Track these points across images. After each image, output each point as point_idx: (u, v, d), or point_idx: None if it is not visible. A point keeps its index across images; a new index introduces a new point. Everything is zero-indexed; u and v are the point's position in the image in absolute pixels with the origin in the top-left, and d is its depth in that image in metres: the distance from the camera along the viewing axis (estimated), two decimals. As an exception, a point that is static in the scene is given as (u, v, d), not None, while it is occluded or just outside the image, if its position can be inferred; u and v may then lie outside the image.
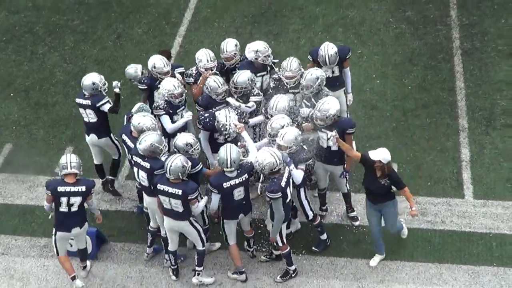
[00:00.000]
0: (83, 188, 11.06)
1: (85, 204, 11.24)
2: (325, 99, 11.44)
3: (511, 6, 16.40)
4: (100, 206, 12.80)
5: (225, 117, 11.56)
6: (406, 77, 14.92)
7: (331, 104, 11.34)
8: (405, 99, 14.45)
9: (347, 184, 12.10)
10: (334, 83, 12.62)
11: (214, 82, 12.04)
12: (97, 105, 12.14)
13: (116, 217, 12.67)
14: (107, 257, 12.12)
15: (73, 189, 11.01)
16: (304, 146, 11.38)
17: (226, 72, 12.80)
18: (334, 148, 11.52)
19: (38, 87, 15.26)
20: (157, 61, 12.41)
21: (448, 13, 16.40)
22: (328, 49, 12.37)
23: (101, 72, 13.51)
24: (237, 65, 12.70)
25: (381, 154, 10.78)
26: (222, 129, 11.55)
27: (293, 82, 12.17)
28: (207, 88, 12.15)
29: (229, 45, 12.69)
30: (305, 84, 11.86)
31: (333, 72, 12.61)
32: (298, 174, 11.13)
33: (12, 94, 15.13)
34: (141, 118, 11.45)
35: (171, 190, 10.73)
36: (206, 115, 11.79)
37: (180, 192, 10.71)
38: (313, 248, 11.98)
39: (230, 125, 11.52)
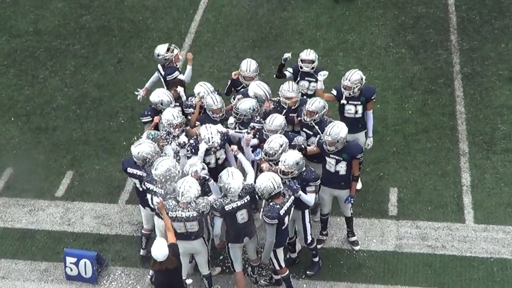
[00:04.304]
0: None
1: None
2: (333, 123, 11.35)
3: (511, 31, 16.45)
4: (100, 230, 12.80)
5: (205, 129, 11.54)
6: (407, 102, 14.93)
7: (341, 128, 11.28)
8: (406, 124, 14.46)
9: (351, 209, 12.10)
10: (356, 124, 12.34)
11: (211, 99, 12.09)
12: None
13: (116, 241, 12.64)
14: (107, 281, 12.08)
15: None
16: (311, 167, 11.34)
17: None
18: (342, 172, 11.54)
19: (39, 111, 15.27)
20: (164, 97, 12.32)
21: (449, 37, 16.45)
22: (355, 71, 12.21)
23: (101, 96, 13.58)
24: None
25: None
26: (207, 141, 11.50)
27: (292, 104, 12.14)
28: (205, 105, 12.26)
29: (252, 65, 12.81)
30: (311, 110, 11.74)
31: (356, 112, 12.33)
32: (310, 198, 11.12)
33: (13, 118, 15.14)
34: (138, 147, 11.32)
35: (185, 214, 10.64)
36: (191, 141, 11.75)
37: (195, 213, 10.62)
38: (307, 272, 11.95)
39: (211, 134, 11.47)
